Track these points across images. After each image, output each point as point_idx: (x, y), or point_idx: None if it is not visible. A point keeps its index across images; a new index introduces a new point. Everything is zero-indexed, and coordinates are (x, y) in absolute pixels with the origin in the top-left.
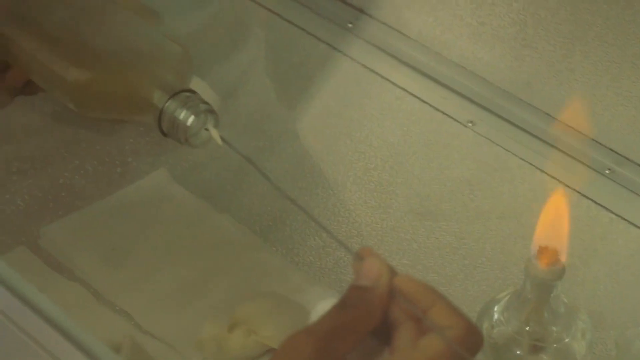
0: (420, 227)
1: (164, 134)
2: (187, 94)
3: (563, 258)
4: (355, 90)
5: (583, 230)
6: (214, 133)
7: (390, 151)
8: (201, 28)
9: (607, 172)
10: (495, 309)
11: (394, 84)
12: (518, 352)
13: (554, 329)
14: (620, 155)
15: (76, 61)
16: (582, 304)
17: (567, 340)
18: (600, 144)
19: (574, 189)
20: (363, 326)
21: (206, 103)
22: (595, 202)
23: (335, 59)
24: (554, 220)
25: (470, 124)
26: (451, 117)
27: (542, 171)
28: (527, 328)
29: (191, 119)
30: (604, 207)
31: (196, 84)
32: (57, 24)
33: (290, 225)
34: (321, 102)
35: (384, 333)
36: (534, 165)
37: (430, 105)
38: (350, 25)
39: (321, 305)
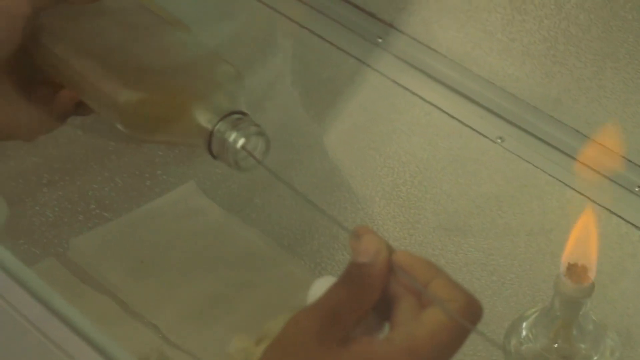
0: (449, 243)
1: (214, 157)
2: (238, 115)
3: (592, 275)
4: (384, 105)
5: (612, 247)
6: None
7: (418, 167)
8: (229, 40)
9: (637, 189)
10: (524, 325)
11: (423, 100)
12: None
13: (582, 346)
14: None
15: (127, 82)
16: (610, 321)
17: (595, 358)
18: (630, 161)
19: (604, 206)
20: (365, 302)
21: (257, 125)
22: (624, 220)
23: (365, 74)
24: (583, 238)
25: (499, 140)
26: (480, 133)
27: (572, 188)
28: (556, 345)
29: (241, 142)
30: (634, 225)
31: None
32: (107, 43)
33: (318, 239)
34: (350, 116)
35: (383, 309)
36: (563, 182)
37: (459, 121)
38: (380, 40)
39: (318, 284)
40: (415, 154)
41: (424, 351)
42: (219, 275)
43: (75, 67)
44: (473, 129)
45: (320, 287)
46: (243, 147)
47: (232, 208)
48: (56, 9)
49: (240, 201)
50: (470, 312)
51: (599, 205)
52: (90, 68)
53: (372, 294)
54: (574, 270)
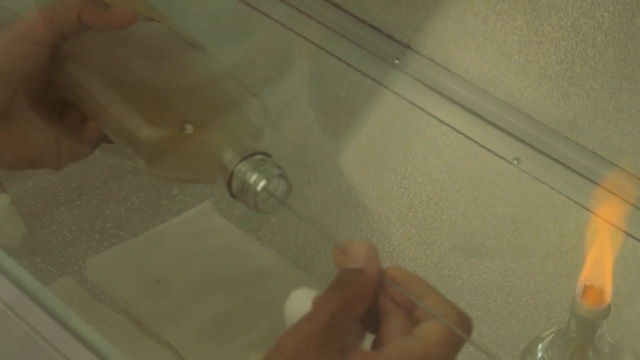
0: (464, 264)
1: (233, 197)
2: (261, 156)
3: (608, 297)
4: (401, 126)
5: (629, 269)
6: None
7: (435, 187)
8: (245, 59)
9: None
10: (539, 347)
11: (440, 121)
12: None
13: None
14: None
15: (148, 119)
16: (626, 344)
17: None
18: None
19: (620, 228)
20: (358, 308)
21: (280, 168)
22: None
23: (381, 95)
24: (600, 260)
25: (515, 162)
26: (497, 155)
27: (588, 210)
28: None
29: (262, 184)
30: None
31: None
32: (129, 74)
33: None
34: (366, 137)
35: (368, 320)
36: (579, 204)
37: (476, 142)
38: (396, 61)
39: (295, 296)
40: (431, 175)
41: None
42: (234, 295)
43: (96, 99)
44: (489, 150)
45: (297, 299)
46: (264, 188)
47: (249, 228)
48: (82, 36)
49: (257, 221)
50: (462, 328)
51: (615, 227)
52: (112, 101)
53: (365, 299)
54: (590, 292)
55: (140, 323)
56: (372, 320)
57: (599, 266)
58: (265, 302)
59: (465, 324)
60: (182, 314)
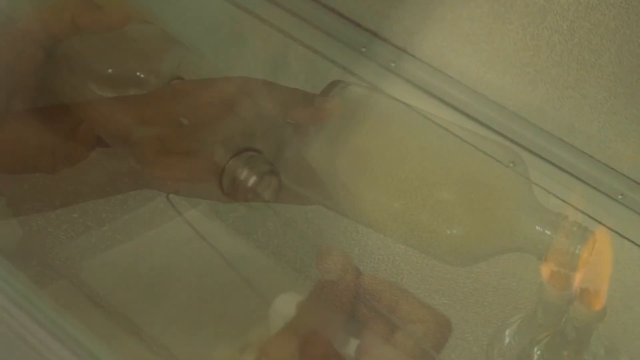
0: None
1: (225, 194)
2: (251, 153)
3: (604, 300)
4: (397, 129)
5: (625, 273)
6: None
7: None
8: (239, 64)
9: None
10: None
11: (436, 124)
12: None
13: None
14: None
15: (141, 119)
16: (622, 347)
17: None
18: None
19: (616, 232)
20: (334, 319)
21: (270, 164)
22: (637, 245)
23: (378, 98)
24: (595, 263)
25: (511, 165)
26: (492, 158)
27: (585, 213)
28: None
29: (253, 180)
30: None
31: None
32: (122, 76)
33: None
34: (362, 140)
35: (350, 326)
36: (575, 207)
37: (472, 145)
38: (393, 64)
39: (279, 301)
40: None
41: None
42: (230, 299)
43: (89, 101)
44: (485, 154)
45: (281, 304)
46: (253, 187)
47: (244, 232)
48: (77, 38)
49: (253, 225)
50: (440, 331)
51: (612, 229)
52: (104, 102)
53: (344, 304)
54: (586, 295)
55: (136, 326)
56: (355, 326)
57: (594, 269)
58: (261, 306)
59: (442, 326)
60: (178, 317)
